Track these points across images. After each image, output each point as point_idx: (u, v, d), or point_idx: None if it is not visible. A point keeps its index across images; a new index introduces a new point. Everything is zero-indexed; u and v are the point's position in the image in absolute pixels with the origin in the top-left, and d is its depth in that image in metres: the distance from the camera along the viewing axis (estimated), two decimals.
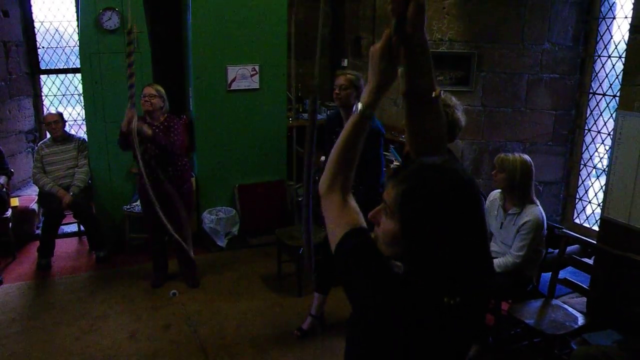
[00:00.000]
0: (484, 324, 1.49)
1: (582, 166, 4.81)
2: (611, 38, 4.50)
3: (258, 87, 5.36)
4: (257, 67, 5.31)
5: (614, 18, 4.44)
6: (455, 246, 1.20)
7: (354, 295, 1.31)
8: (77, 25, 5.13)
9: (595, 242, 3.60)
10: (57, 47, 6.23)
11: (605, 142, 4.58)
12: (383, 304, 1.23)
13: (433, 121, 1.47)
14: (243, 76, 5.28)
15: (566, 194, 4.97)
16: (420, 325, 1.22)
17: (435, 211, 1.19)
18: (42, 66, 6.20)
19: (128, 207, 5.12)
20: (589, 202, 4.79)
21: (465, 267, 1.23)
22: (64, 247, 5.36)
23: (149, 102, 4.28)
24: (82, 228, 5.44)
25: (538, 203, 3.51)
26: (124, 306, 4.35)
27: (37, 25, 6.06)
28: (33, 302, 4.43)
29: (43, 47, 6.15)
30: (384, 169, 3.81)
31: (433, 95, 1.42)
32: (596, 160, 4.72)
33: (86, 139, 5.22)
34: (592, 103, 4.68)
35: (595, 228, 4.46)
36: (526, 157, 3.50)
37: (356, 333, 1.42)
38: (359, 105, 1.37)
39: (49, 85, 6.32)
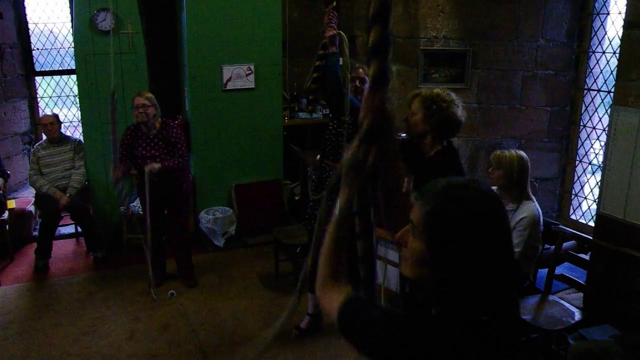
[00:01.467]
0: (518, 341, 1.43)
1: (577, 162, 4.83)
2: (605, 34, 4.51)
3: (253, 86, 5.36)
4: (252, 67, 5.31)
5: (608, 14, 4.45)
6: (484, 265, 1.18)
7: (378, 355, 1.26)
8: (72, 27, 5.12)
9: (591, 237, 3.62)
10: (51, 49, 6.21)
11: (600, 138, 4.59)
12: (413, 345, 1.19)
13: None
14: (238, 76, 5.28)
15: (562, 190, 4.99)
16: (460, 345, 1.17)
17: (462, 230, 1.17)
18: (37, 68, 6.18)
19: (125, 207, 5.11)
20: (585, 198, 4.80)
21: (495, 285, 1.20)
22: (62, 249, 5.35)
23: (143, 113, 4.26)
24: (79, 229, 5.43)
25: (534, 199, 3.51)
26: (122, 307, 4.35)
27: (31, 26, 6.05)
28: (31, 303, 4.42)
29: (38, 49, 6.14)
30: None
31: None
32: (591, 156, 4.74)
33: (82, 140, 5.21)
34: (587, 99, 4.69)
35: (591, 224, 4.47)
36: (522, 153, 3.51)
37: None
38: (336, 210, 1.45)
39: (44, 86, 6.30)
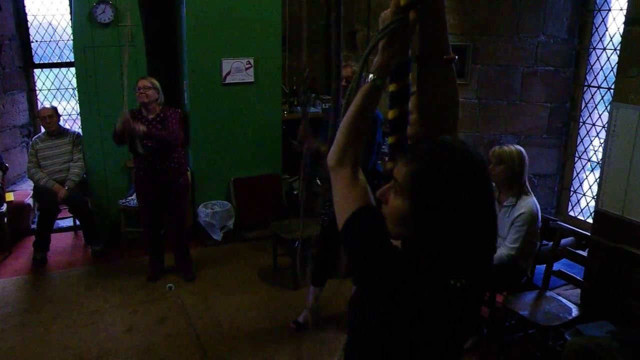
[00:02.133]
0: (479, 313, 1.47)
1: (576, 159, 4.83)
2: (606, 30, 4.50)
3: (253, 80, 5.35)
4: (251, 61, 5.29)
5: (609, 10, 4.44)
6: (465, 227, 1.18)
7: (360, 271, 1.29)
8: (71, 19, 5.10)
9: (589, 234, 3.62)
10: (50, 41, 6.19)
11: (599, 135, 4.59)
12: (388, 279, 1.21)
13: (446, 88, 1.43)
14: (238, 69, 5.26)
15: (561, 186, 4.99)
16: (422, 303, 1.21)
17: (446, 191, 1.16)
18: (36, 60, 6.17)
19: (123, 201, 5.11)
20: (584, 194, 4.80)
21: (474, 249, 1.21)
22: (60, 242, 5.35)
23: (144, 94, 4.28)
24: (77, 222, 5.44)
25: (532, 194, 3.52)
26: (120, 300, 4.35)
27: (30, 18, 6.03)
28: (29, 296, 4.43)
29: (36, 41, 6.12)
30: (375, 156, 3.78)
31: (446, 58, 1.38)
32: (590, 153, 4.73)
33: (81, 133, 5.20)
34: (587, 95, 4.68)
35: (590, 220, 4.47)
36: (519, 147, 3.52)
37: (359, 311, 1.39)
38: (370, 76, 1.35)
39: (43, 79, 6.29)
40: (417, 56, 1.41)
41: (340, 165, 1.34)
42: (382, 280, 1.22)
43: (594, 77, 4.61)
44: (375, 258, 1.24)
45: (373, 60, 1.37)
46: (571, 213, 4.92)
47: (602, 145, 4.26)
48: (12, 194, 5.40)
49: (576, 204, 4.89)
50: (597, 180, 4.15)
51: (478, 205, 1.19)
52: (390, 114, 1.45)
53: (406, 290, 1.20)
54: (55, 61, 6.28)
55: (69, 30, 5.99)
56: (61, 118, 5.25)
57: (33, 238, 5.02)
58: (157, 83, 4.38)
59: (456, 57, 1.43)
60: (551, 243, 3.68)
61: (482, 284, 1.32)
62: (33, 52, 6.11)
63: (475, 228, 1.19)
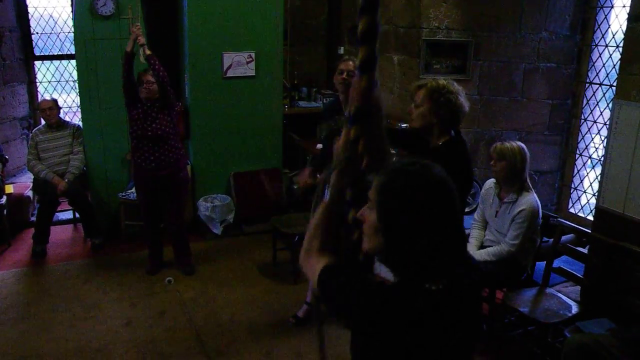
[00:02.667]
0: (480, 314, 1.51)
1: (577, 156, 4.82)
2: (609, 27, 4.49)
3: (254, 74, 5.33)
4: (253, 55, 5.27)
5: (612, 7, 4.42)
6: (426, 233, 1.28)
7: (345, 317, 1.39)
8: (72, 11, 5.08)
9: (589, 231, 3.61)
10: (51, 33, 6.17)
11: (601, 132, 4.58)
12: (370, 310, 1.30)
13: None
14: (239, 63, 5.25)
15: (561, 183, 4.99)
16: (405, 313, 1.28)
17: (403, 204, 1.29)
18: (37, 52, 6.15)
19: (123, 194, 5.10)
20: (584, 191, 4.80)
21: (440, 253, 1.30)
22: (59, 234, 5.34)
23: (147, 89, 4.26)
24: (77, 215, 5.43)
25: (533, 191, 3.51)
26: (119, 293, 4.35)
27: (31, 10, 6.01)
28: (28, 289, 4.43)
29: (37, 33, 6.10)
30: None
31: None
32: (591, 150, 4.73)
33: (81, 126, 5.19)
34: (589, 93, 4.67)
35: (590, 217, 4.47)
36: (521, 144, 3.51)
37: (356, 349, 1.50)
38: (326, 195, 1.56)
39: (43, 71, 6.28)
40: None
41: (307, 257, 1.53)
42: (362, 306, 1.32)
43: (595, 74, 4.60)
44: (348, 289, 1.37)
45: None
46: (571, 210, 4.92)
47: (603, 142, 4.25)
48: (11, 186, 5.39)
49: (576, 201, 4.88)
50: (598, 177, 4.14)
51: (433, 217, 1.29)
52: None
53: (387, 307, 1.29)
54: (55, 53, 6.26)
55: (70, 23, 5.98)
56: (61, 110, 5.24)
57: (32, 230, 5.02)
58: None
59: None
60: (551, 240, 3.68)
61: (469, 284, 1.38)
62: (34, 44, 6.09)
63: (436, 234, 1.29)
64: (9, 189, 5.27)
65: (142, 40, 4.26)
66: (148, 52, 4.25)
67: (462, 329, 1.36)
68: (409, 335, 1.29)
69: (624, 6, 4.26)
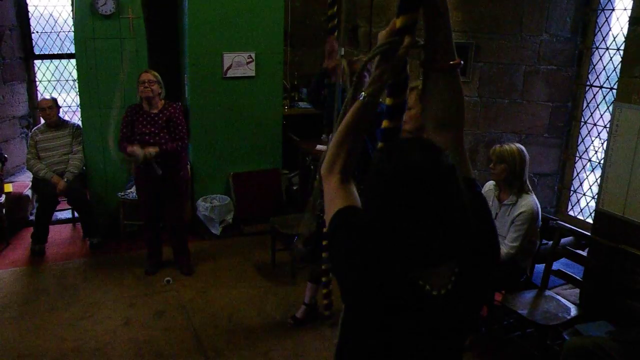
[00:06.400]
0: (478, 314, 1.49)
1: (577, 158, 4.81)
2: (610, 30, 4.48)
3: (254, 74, 5.33)
4: (253, 55, 5.27)
5: (613, 10, 4.42)
6: (406, 225, 1.19)
7: (336, 273, 1.36)
8: (72, 10, 5.07)
9: (589, 234, 3.61)
10: (51, 32, 6.17)
11: (600, 135, 4.58)
12: (358, 280, 1.27)
13: (452, 91, 1.45)
14: (239, 64, 5.24)
15: (561, 186, 4.98)
16: (394, 304, 1.25)
17: (380, 189, 1.22)
18: (36, 51, 6.14)
19: (122, 193, 5.09)
20: (584, 194, 4.79)
21: (423, 248, 1.21)
22: (58, 234, 5.34)
23: (149, 89, 4.26)
24: (76, 214, 5.42)
25: (533, 193, 3.51)
26: (117, 293, 4.35)
27: (31, 9, 6.00)
28: (26, 288, 4.42)
29: (37, 32, 6.09)
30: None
31: (452, 63, 1.40)
32: (591, 153, 4.72)
33: (81, 125, 5.18)
34: (589, 95, 4.67)
35: (589, 220, 4.47)
36: (520, 146, 3.51)
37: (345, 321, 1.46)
38: (363, 93, 1.39)
39: (43, 70, 6.26)
40: (422, 61, 1.43)
41: (329, 173, 1.43)
42: (350, 280, 1.29)
43: (596, 76, 4.59)
44: (345, 260, 1.32)
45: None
46: (571, 213, 4.92)
47: (603, 145, 4.25)
48: (10, 185, 5.38)
49: (576, 203, 4.88)
50: (598, 180, 4.14)
51: (412, 205, 1.18)
52: (385, 124, 1.50)
53: (374, 289, 1.25)
54: (55, 52, 6.25)
55: (70, 22, 5.97)
56: (61, 110, 5.23)
57: (31, 229, 5.02)
58: (159, 76, 4.37)
59: (461, 62, 1.44)
60: (551, 242, 3.67)
61: (474, 288, 1.32)
62: (33, 43, 6.08)
63: (417, 228, 1.19)
64: (8, 187, 5.26)
65: (150, 156, 4.25)
66: (154, 151, 4.25)
67: (461, 328, 1.35)
68: (397, 330, 1.27)
69: (625, 9, 4.26)
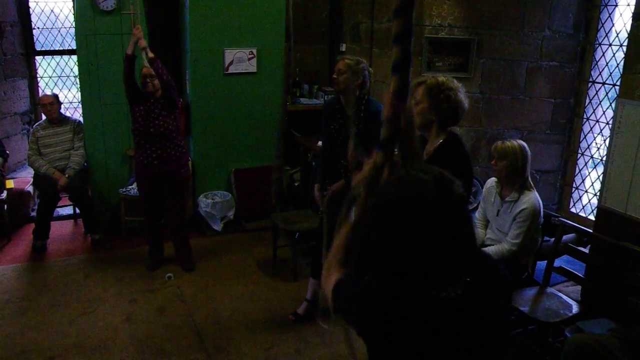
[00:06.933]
0: (503, 317, 1.54)
1: (579, 155, 4.80)
2: (612, 26, 4.46)
3: (255, 70, 5.32)
4: (254, 51, 5.26)
5: (616, 6, 4.40)
6: (418, 248, 1.28)
7: (358, 330, 1.40)
8: (73, 6, 5.06)
9: (591, 230, 3.60)
10: (52, 28, 6.16)
11: (603, 132, 4.56)
12: (375, 322, 1.32)
13: None
14: (240, 60, 5.23)
15: (563, 182, 4.97)
16: (420, 327, 1.29)
17: (395, 218, 1.29)
18: (37, 47, 6.13)
19: (124, 189, 5.09)
20: (586, 191, 4.78)
21: (443, 262, 1.29)
22: (59, 230, 5.34)
23: (150, 84, 4.25)
24: (77, 211, 5.42)
25: (534, 190, 3.50)
26: (119, 289, 4.35)
27: (32, 5, 5.99)
28: (28, 284, 4.42)
29: (38, 28, 6.08)
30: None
31: None
32: (593, 149, 4.71)
33: (82, 122, 5.18)
34: (592, 92, 4.65)
35: (591, 217, 4.46)
36: (522, 142, 3.50)
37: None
38: (353, 215, 1.61)
39: (44, 66, 6.26)
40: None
41: (329, 276, 1.54)
42: (367, 318, 1.35)
43: (598, 73, 4.58)
44: (354, 301, 1.40)
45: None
46: (572, 209, 4.91)
47: (606, 142, 4.23)
48: (12, 181, 5.38)
49: (578, 200, 4.87)
50: (599, 177, 4.13)
51: (426, 229, 1.27)
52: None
53: (394, 317, 1.30)
54: (56, 48, 6.24)
55: (71, 18, 5.97)
56: (62, 106, 5.23)
57: (33, 226, 5.01)
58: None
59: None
60: (552, 239, 3.66)
61: (488, 290, 1.38)
62: (34, 39, 6.07)
63: (436, 241, 1.27)
64: (10, 184, 5.26)
65: (143, 43, 4.23)
66: (150, 54, 4.22)
67: (480, 334, 1.37)
68: (420, 342, 1.30)
69: (628, 5, 4.24)
